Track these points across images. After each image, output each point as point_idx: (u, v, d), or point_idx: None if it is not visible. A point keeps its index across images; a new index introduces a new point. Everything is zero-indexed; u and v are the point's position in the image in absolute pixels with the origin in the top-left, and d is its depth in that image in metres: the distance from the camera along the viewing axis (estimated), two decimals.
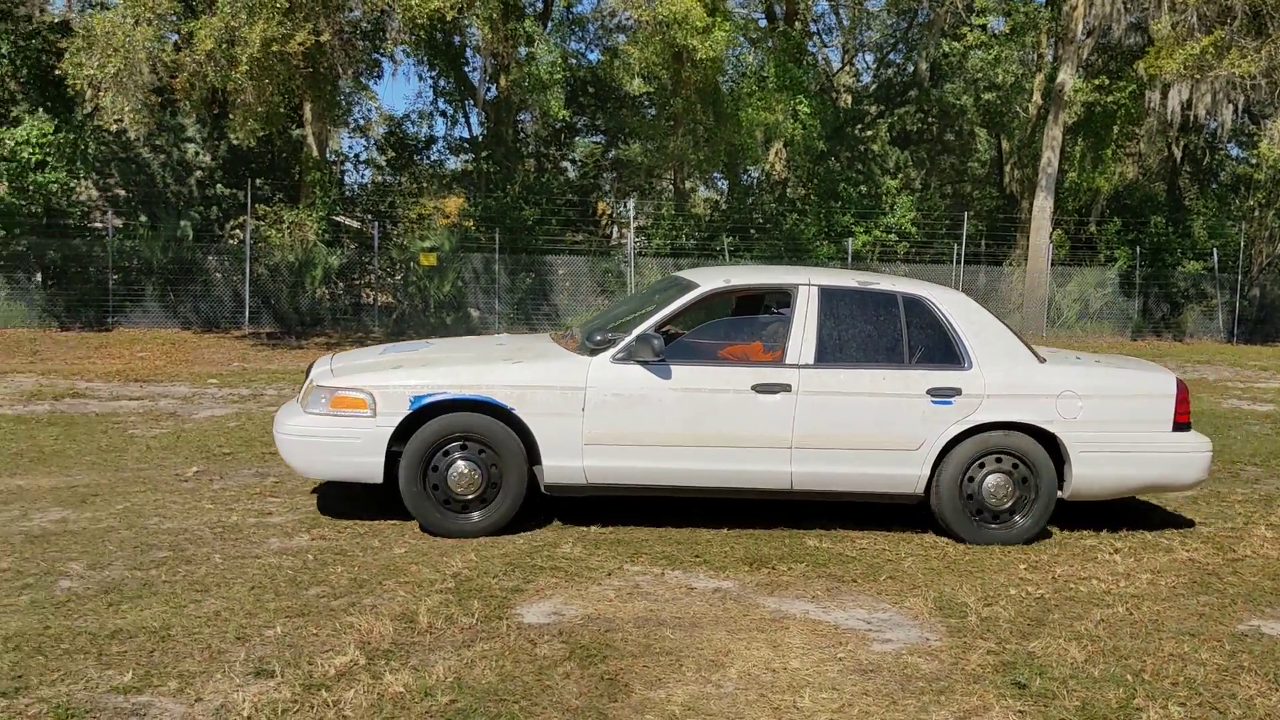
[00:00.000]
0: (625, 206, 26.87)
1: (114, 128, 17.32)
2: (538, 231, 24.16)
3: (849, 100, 33.65)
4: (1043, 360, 6.96)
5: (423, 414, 6.34)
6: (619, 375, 6.44)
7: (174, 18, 15.87)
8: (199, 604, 5.01)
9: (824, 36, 33.54)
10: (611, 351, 6.48)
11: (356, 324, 22.43)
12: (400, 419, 6.31)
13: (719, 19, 21.07)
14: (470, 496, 6.38)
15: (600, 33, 29.00)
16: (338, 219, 24.28)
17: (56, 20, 22.87)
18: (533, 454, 6.46)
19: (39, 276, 22.06)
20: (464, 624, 4.87)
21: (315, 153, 22.34)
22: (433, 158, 29.24)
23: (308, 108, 21.64)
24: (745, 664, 4.54)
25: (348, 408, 6.36)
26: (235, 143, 21.57)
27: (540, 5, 25.04)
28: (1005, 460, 6.67)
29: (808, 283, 6.84)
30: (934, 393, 6.59)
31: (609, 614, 5.07)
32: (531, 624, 4.90)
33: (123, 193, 23.82)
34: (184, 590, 5.20)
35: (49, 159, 20.91)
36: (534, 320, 22.98)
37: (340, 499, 7.12)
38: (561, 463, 6.43)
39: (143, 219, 23.32)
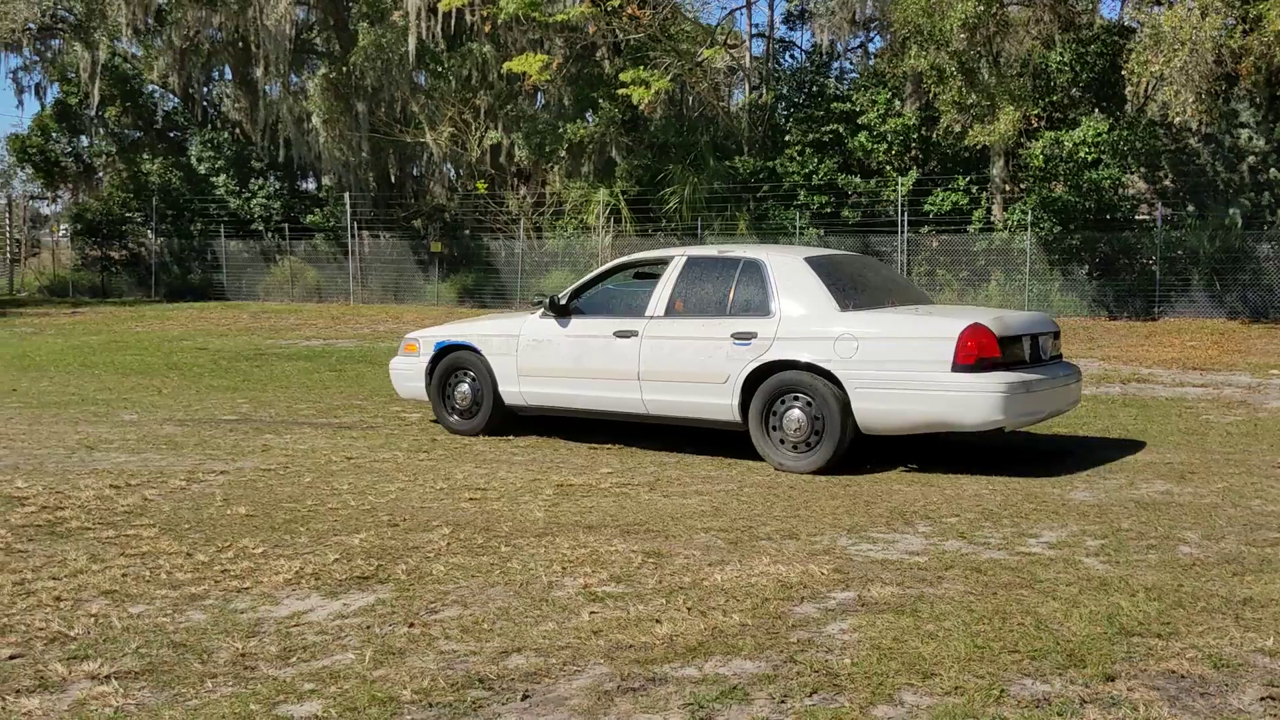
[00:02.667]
0: None
1: (1177, 121, 17.60)
2: None
3: None
4: (845, 309, 7.70)
5: (442, 353, 9.40)
6: (539, 326, 8.91)
7: (1241, 3, 15.55)
8: None
9: None
10: (540, 310, 9.00)
11: None
12: (430, 357, 9.46)
13: None
14: (464, 406, 9.32)
15: None
16: None
17: (1116, 24, 23.87)
18: (494, 381, 9.09)
19: (1086, 269, 23.36)
20: None
21: None
22: None
23: None
24: None
25: (410, 351, 9.70)
26: None
27: None
28: (802, 397, 7.62)
29: (682, 254, 8.66)
30: (736, 336, 7.90)
31: None
32: None
33: (1170, 184, 24.02)
34: None
35: (1103, 156, 22.01)
36: None
37: None
38: (508, 388, 9.04)
39: (1189, 209, 23.28)
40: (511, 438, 9.18)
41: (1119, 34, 23.12)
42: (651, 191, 26.39)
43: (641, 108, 24.50)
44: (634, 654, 4.15)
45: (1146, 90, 21.56)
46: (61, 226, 37.52)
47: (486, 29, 26.20)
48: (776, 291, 7.89)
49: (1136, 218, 24.14)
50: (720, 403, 7.96)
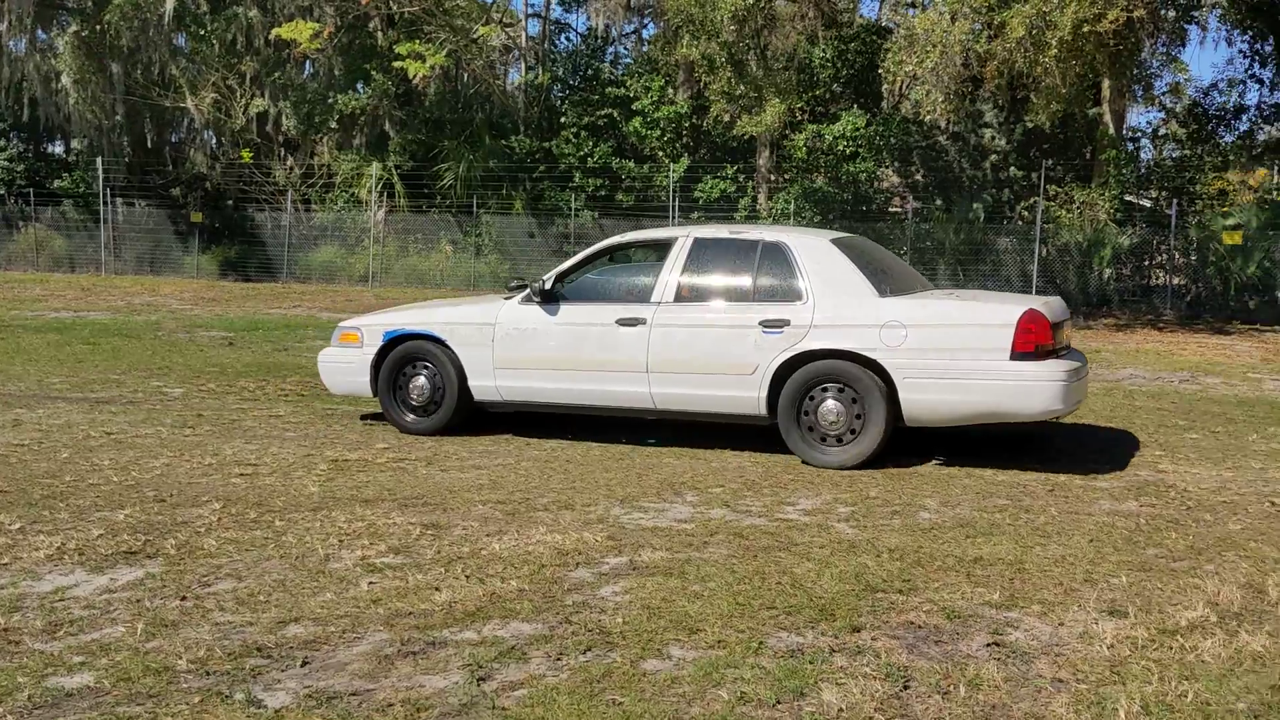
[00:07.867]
0: None
1: (928, 118, 18.79)
2: None
3: None
4: (885, 295, 7.27)
5: (393, 343, 8.28)
6: (521, 314, 8.01)
7: (987, 10, 16.76)
8: (1044, 547, 5.56)
9: None
10: (520, 295, 8.08)
11: (1146, 306, 21.79)
12: (378, 348, 8.30)
13: None
14: (422, 402, 8.23)
15: None
16: (1129, 198, 23.70)
17: (874, 24, 25.20)
18: (462, 375, 8.10)
19: None
20: None
21: (1111, 130, 22.05)
22: (1241, 129, 27.06)
23: (1105, 85, 21.42)
24: None
25: (348, 340, 8.50)
26: (1030, 125, 22.10)
27: None
28: (834, 387, 7.19)
29: (687, 235, 7.93)
30: (765, 324, 7.33)
31: None
32: None
33: (921, 178, 25.60)
34: (1027, 534, 5.79)
35: (860, 150, 23.26)
36: None
37: (1165, 479, 7.26)
38: (481, 382, 8.09)
39: (938, 202, 24.89)
40: (283, 414, 8.98)
41: (877, 34, 24.44)
42: (426, 167, 26.07)
43: (416, 82, 24.14)
44: (413, 620, 4.23)
45: (901, 88, 22.87)
46: None
47: None
48: (806, 276, 7.38)
49: (891, 209, 25.63)
50: (745, 395, 7.42)
